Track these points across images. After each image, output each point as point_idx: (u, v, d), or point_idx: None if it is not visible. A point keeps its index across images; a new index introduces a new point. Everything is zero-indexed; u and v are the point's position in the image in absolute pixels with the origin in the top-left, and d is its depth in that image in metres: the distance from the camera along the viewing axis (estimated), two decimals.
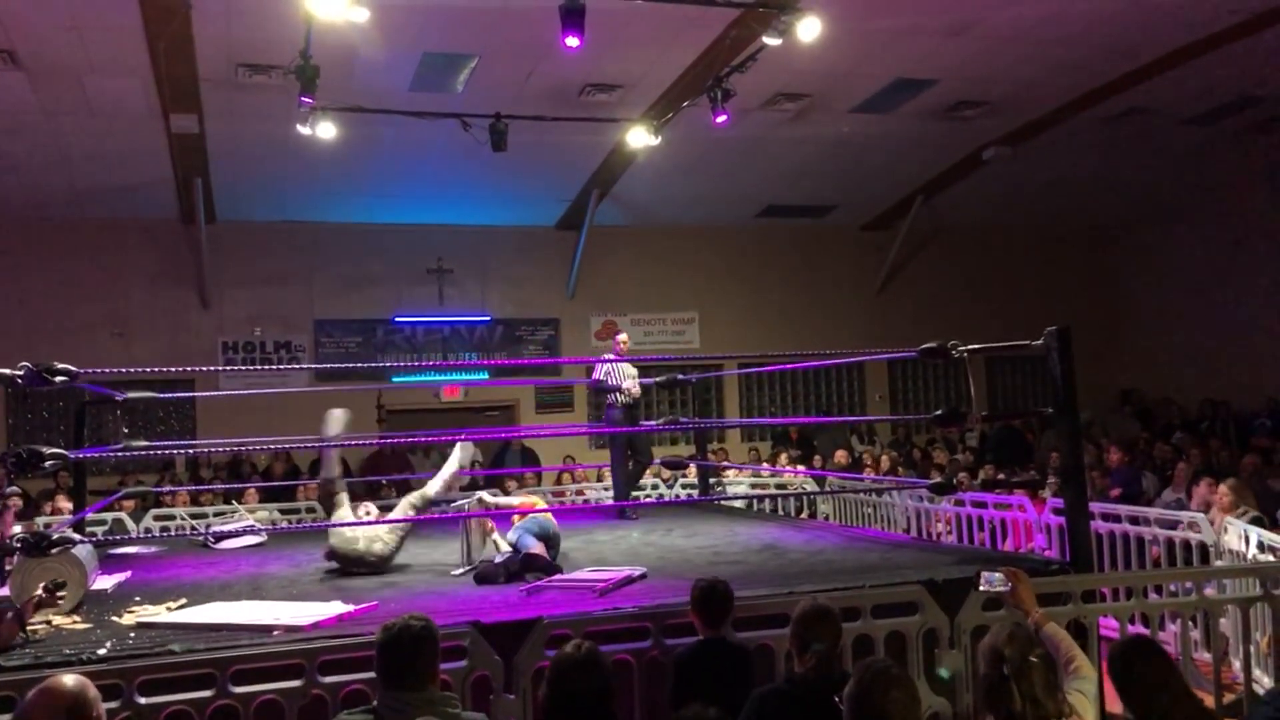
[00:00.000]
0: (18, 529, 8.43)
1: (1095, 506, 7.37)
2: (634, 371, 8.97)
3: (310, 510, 9.95)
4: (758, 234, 16.37)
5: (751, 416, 16.39)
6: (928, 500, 9.44)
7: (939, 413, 5.96)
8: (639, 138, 11.34)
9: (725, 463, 12.30)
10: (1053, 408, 5.39)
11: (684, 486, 11.14)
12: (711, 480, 10.42)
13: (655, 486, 11.25)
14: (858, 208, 16.14)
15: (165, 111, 10.93)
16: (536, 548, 6.05)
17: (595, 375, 9.02)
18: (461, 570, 6.19)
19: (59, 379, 4.94)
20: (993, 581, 4.20)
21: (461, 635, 4.16)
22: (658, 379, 10.02)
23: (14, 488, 10.19)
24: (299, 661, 4.00)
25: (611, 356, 9.05)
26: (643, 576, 5.51)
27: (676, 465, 10.67)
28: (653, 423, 9.83)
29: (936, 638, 4.60)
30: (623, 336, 9.22)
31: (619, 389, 8.82)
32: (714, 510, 9.14)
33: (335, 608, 4.85)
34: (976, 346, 5.73)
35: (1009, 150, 13.82)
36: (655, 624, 4.40)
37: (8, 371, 4.85)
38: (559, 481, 12.10)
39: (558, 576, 5.62)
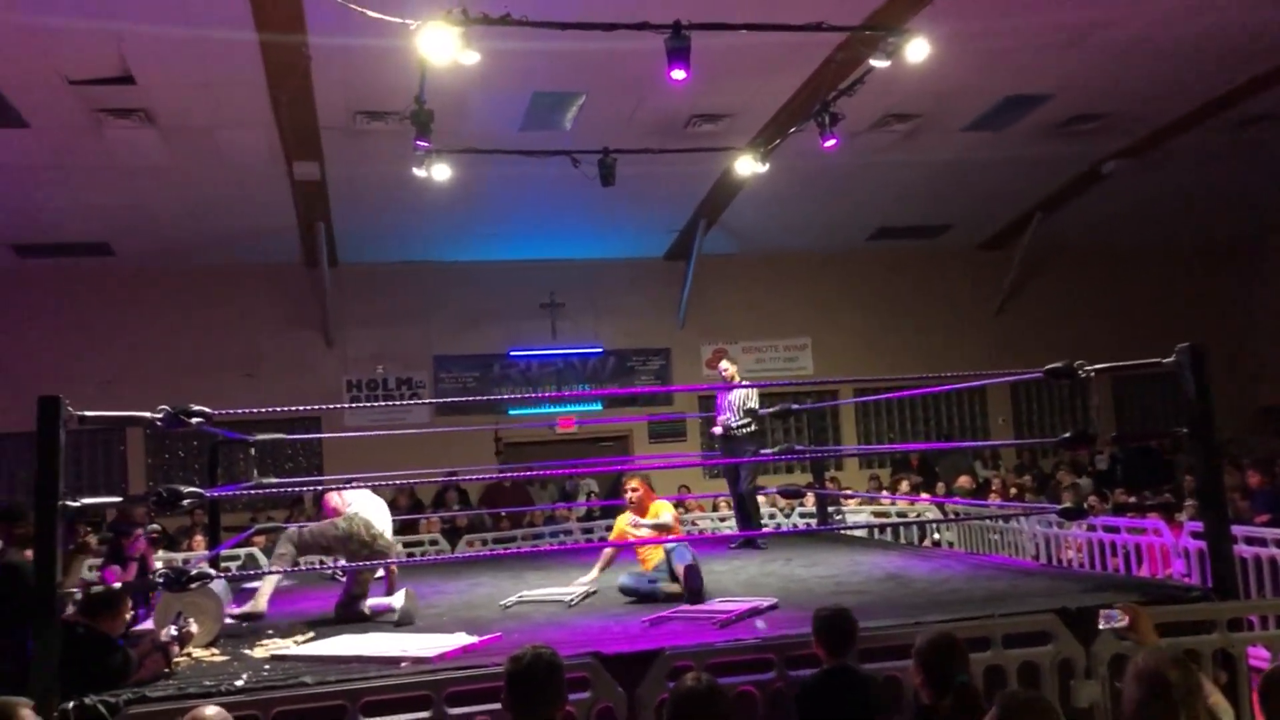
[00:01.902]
0: (159, 564, 8.82)
1: (1237, 530, 7.03)
2: (743, 399, 8.88)
3: (434, 543, 10.15)
4: (870, 257, 16.19)
5: (869, 443, 16.18)
6: (1057, 525, 9.14)
7: (1067, 435, 5.78)
8: (746, 165, 11.33)
9: (844, 491, 12.13)
10: (1187, 427, 5.17)
11: (802, 515, 11.02)
12: (830, 509, 10.28)
13: (773, 516, 11.14)
14: (973, 227, 15.83)
15: (289, 159, 11.39)
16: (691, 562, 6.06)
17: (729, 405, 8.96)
18: (576, 599, 6.23)
19: (195, 420, 5.13)
20: (1113, 619, 4.09)
21: (584, 666, 4.18)
22: (771, 408, 9.94)
23: (154, 525, 10.67)
24: (427, 693, 4.07)
25: (746, 384, 9.08)
26: (773, 608, 5.47)
27: (794, 494, 10.56)
28: (768, 452, 9.75)
29: (1071, 668, 4.44)
30: (725, 364, 9.19)
31: (736, 419, 8.79)
32: (834, 539, 9.07)
33: (460, 639, 4.94)
34: (1104, 366, 5.54)
35: (1129, 163, 13.38)
36: (779, 655, 4.36)
37: (148, 414, 5.02)
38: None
39: (681, 607, 5.61)
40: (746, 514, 8.90)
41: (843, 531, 9.52)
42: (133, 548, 8.19)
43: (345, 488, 6.65)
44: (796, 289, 16.08)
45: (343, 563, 6.41)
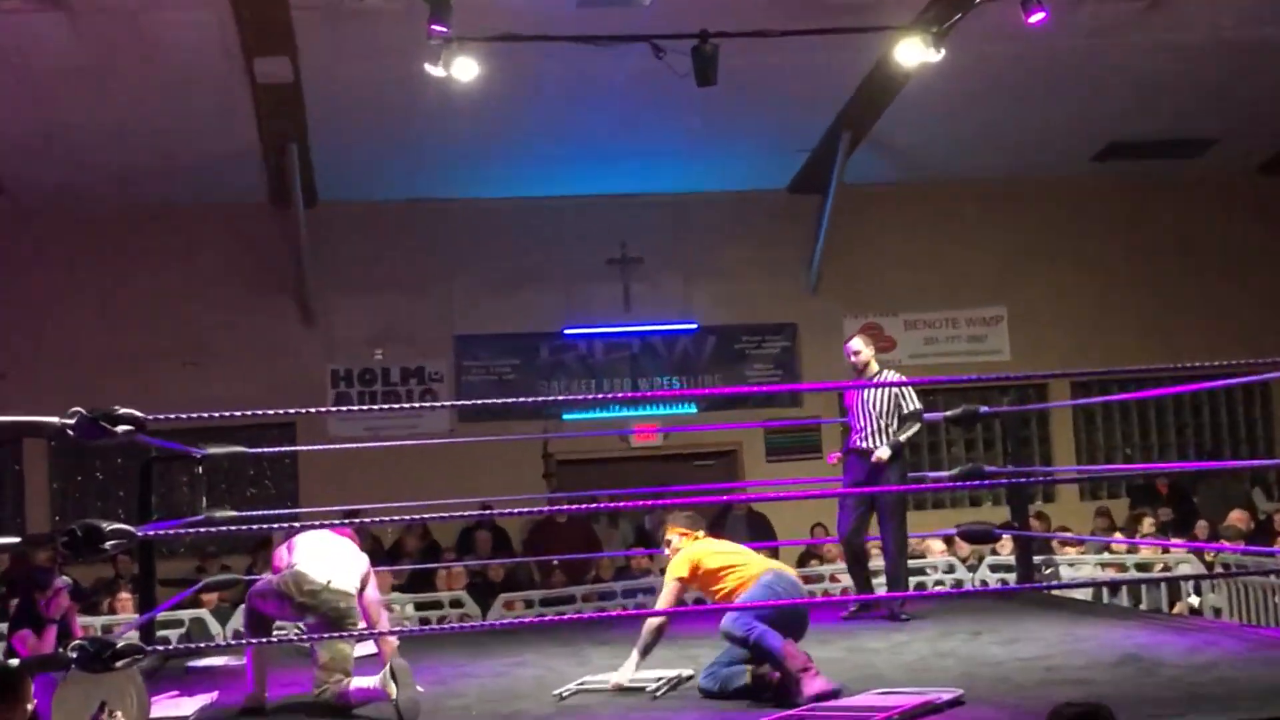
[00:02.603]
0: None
1: None
2: (891, 400, 8.79)
3: (456, 604, 10.25)
4: (1095, 187, 15.98)
5: (1094, 462, 15.98)
6: None
7: None
8: (911, 53, 11.18)
9: (1057, 532, 11.93)
10: None
11: (994, 568, 10.92)
12: (1038, 559, 10.16)
13: (950, 569, 11.07)
14: (1251, 141, 15.51)
15: (247, 54, 11.54)
16: (779, 642, 6.01)
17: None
18: (663, 688, 6.25)
19: (120, 428, 5.19)
20: None
21: None
22: (949, 412, 9.82)
23: (64, 578, 10.94)
24: None
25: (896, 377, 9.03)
26: (956, 703, 5.47)
27: (982, 537, 10.44)
28: (945, 474, 9.65)
29: None
30: (855, 345, 8.97)
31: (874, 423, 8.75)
32: (1042, 603, 9.01)
33: None
34: None
35: None
36: None
37: (54, 420, 5.08)
38: (802, 563, 12.05)
39: (816, 704, 5.59)
40: (892, 573, 8.87)
41: (1056, 592, 9.42)
42: (51, 606, 8.41)
43: (331, 524, 6.73)
44: (984, 236, 15.91)
45: (304, 628, 6.53)
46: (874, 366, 8.92)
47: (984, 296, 15.98)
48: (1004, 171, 15.53)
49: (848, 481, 8.94)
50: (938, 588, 10.62)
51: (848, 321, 15.67)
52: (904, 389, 8.81)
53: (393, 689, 5.82)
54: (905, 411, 8.76)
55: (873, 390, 8.74)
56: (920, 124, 14.05)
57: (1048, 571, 10.48)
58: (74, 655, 4.92)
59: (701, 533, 6.88)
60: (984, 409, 10.27)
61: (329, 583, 6.24)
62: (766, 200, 15.51)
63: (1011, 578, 10.20)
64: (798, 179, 15.30)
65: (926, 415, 9.16)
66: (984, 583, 10.72)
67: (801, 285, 15.70)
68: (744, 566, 6.44)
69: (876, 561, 9.39)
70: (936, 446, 15.63)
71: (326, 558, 6.39)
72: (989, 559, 11.05)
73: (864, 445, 8.72)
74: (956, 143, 14.71)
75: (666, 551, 6.86)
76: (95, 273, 14.56)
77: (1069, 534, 12.21)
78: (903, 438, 8.71)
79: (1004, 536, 10.35)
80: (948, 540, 11.50)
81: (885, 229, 15.68)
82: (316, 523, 6.79)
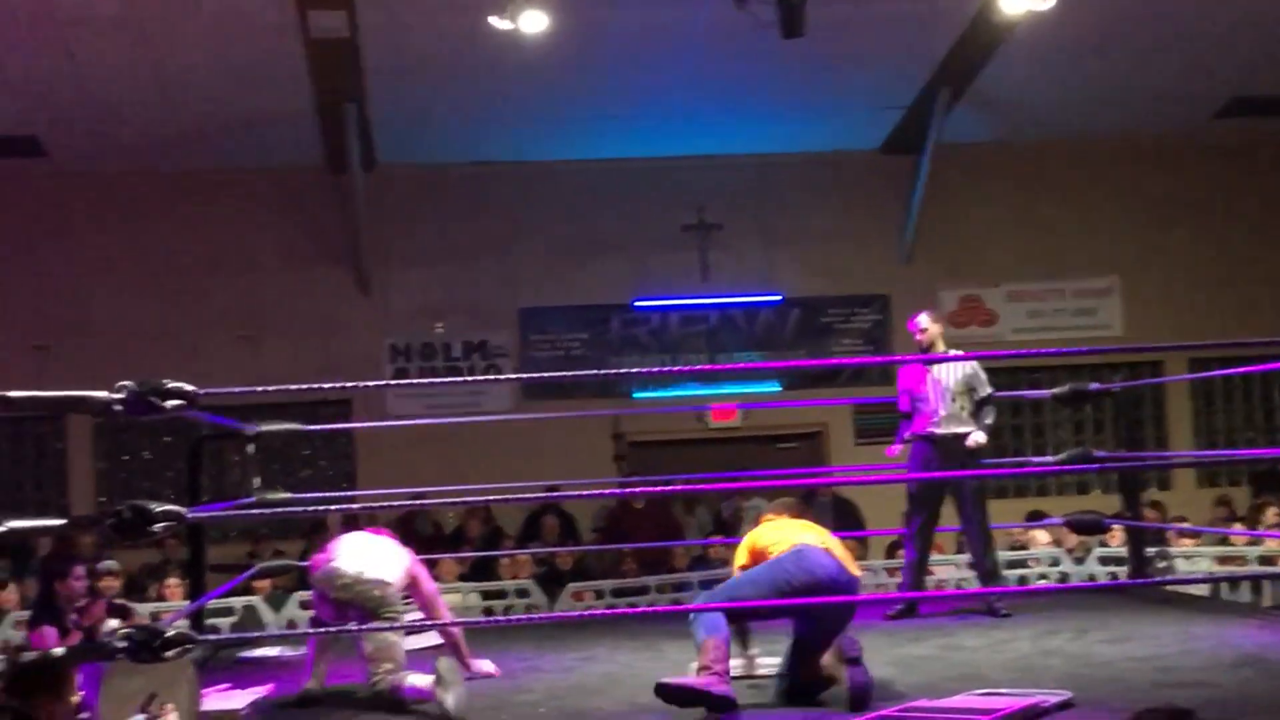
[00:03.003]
0: (113, 622, 9.20)
1: None
2: (964, 377, 8.78)
3: (522, 594, 10.31)
4: (1216, 146, 15.80)
5: (1214, 446, 15.83)
6: None
7: None
8: (1017, 0, 11.09)
9: (1173, 522, 11.85)
10: None
11: (1103, 561, 10.84)
12: (1151, 551, 10.07)
13: (1056, 561, 11.01)
14: None
15: (300, 8, 11.64)
16: (704, 634, 5.87)
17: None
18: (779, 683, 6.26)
19: (170, 403, 5.24)
20: None
21: None
22: (1057, 391, 9.76)
23: (110, 562, 11.13)
24: None
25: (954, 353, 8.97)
26: (1064, 706, 5.46)
27: (1091, 527, 10.36)
28: (1048, 459, 9.59)
29: None
30: (924, 321, 8.94)
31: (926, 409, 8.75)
32: (1155, 599, 8.96)
33: None
34: None
35: None
36: None
37: (101, 395, 5.10)
38: (891, 553, 12.00)
39: (911, 703, 5.59)
40: (986, 565, 8.88)
41: (1170, 587, 9.38)
42: (72, 595, 8.55)
43: (385, 505, 6.87)
44: (1095, 199, 15.77)
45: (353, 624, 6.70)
46: (940, 345, 8.95)
47: (1094, 266, 15.82)
48: (1116, 129, 15.37)
49: (918, 470, 8.93)
50: (1041, 581, 10.56)
51: (944, 293, 15.62)
52: (979, 370, 8.84)
53: (440, 692, 5.93)
54: (980, 395, 8.79)
55: (948, 371, 8.74)
56: (1025, 78, 13.93)
57: (1162, 565, 10.36)
58: (121, 645, 4.99)
59: (779, 515, 6.69)
60: (1094, 386, 10.19)
61: (360, 574, 6.47)
62: (857, 161, 15.46)
63: (1122, 571, 10.15)
64: (891, 138, 15.22)
65: (1031, 393, 9.14)
66: (1092, 577, 10.66)
67: (894, 254, 15.62)
68: (782, 542, 6.21)
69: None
70: (1041, 429, 15.55)
71: (361, 554, 6.64)
72: (1098, 551, 10.96)
73: (941, 430, 8.70)
74: (1065, 98, 14.55)
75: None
76: (141, 240, 14.75)
77: (1185, 524, 12.08)
78: (988, 421, 8.74)
79: (1114, 526, 10.26)
80: (1053, 530, 11.45)
81: (986, 192, 15.60)
82: (374, 504, 6.93)
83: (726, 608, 5.93)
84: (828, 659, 5.86)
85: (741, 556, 6.47)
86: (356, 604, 6.45)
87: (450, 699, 5.90)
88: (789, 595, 5.83)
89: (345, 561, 6.57)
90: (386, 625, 6.37)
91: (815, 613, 5.95)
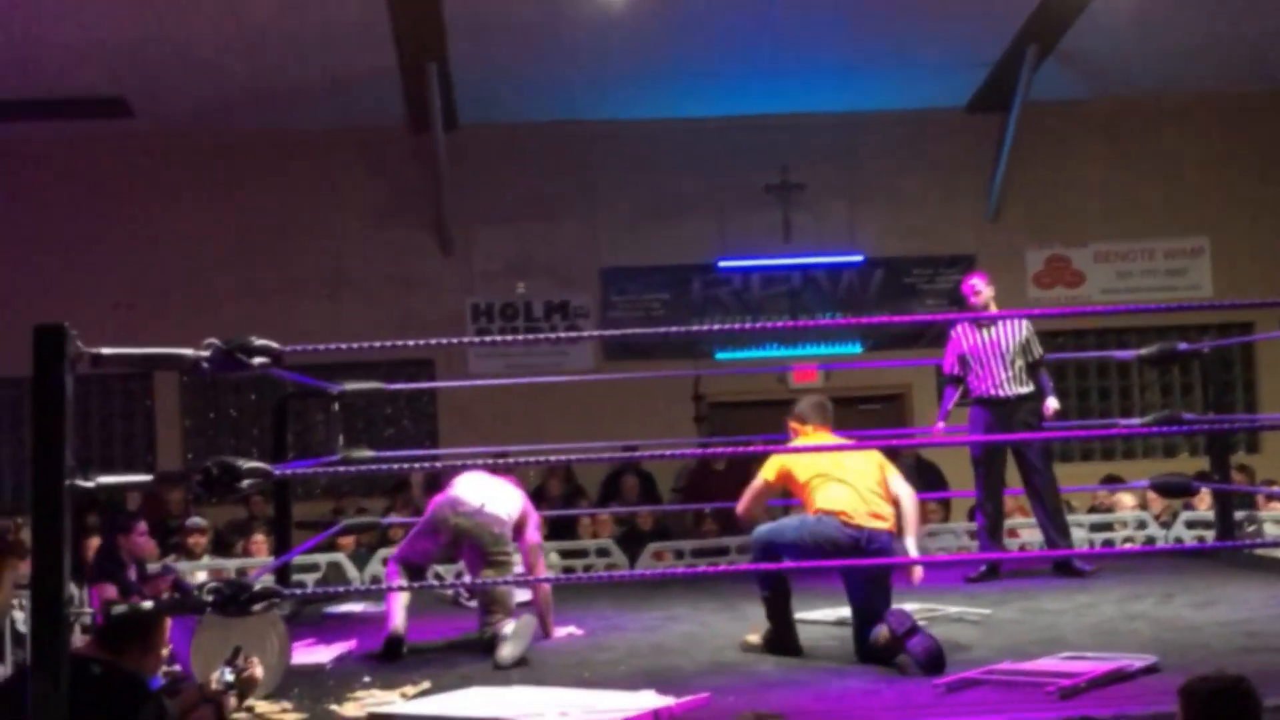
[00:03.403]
0: (202, 575, 9.37)
1: None
2: (1023, 337, 8.75)
3: (602, 553, 10.37)
4: None
5: None
6: None
7: None
8: None
9: (1265, 485, 11.76)
10: None
11: (1190, 525, 10.75)
12: (1239, 515, 9.99)
13: (1142, 525, 10.92)
14: None
15: None
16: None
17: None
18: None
19: (257, 360, 5.29)
20: None
21: None
22: (1144, 350, 9.67)
23: (196, 519, 11.32)
24: None
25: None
26: (1149, 670, 5.44)
27: (1178, 490, 10.27)
28: (1135, 421, 9.52)
29: None
30: (978, 283, 8.91)
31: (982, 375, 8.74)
32: (1243, 563, 8.90)
33: (647, 700, 5.08)
34: None
35: None
36: None
37: (189, 352, 5.14)
38: (973, 516, 11.95)
39: (994, 666, 5.57)
40: (1055, 527, 8.88)
41: (1259, 551, 9.28)
42: (134, 551, 8.71)
43: (467, 464, 6.96)
44: (1186, 158, 15.57)
45: (467, 579, 6.80)
46: (993, 307, 9.01)
47: (1184, 226, 15.62)
48: (1209, 86, 15.16)
49: (980, 433, 8.92)
50: (1127, 545, 10.48)
51: (1030, 253, 15.51)
52: (1034, 333, 8.87)
53: (502, 643, 6.13)
54: (1034, 357, 8.83)
55: (1008, 334, 8.77)
56: (1114, 34, 13.76)
57: (1250, 529, 10.31)
58: (209, 598, 5.07)
59: (820, 429, 6.82)
60: (1182, 346, 10.11)
61: (483, 506, 6.72)
62: (942, 120, 15.34)
63: (1209, 535, 10.09)
64: (977, 96, 15.08)
65: (1119, 354, 9.10)
66: (1179, 540, 10.58)
67: (980, 213, 15.50)
68: (823, 489, 6.27)
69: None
70: (1128, 390, 15.40)
71: (484, 489, 6.87)
72: (1185, 514, 10.89)
73: (1004, 393, 8.71)
74: (1154, 54, 14.35)
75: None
76: (226, 199, 14.89)
77: (1274, 488, 11.94)
78: (1050, 385, 8.83)
79: (1202, 490, 10.18)
80: (1138, 493, 11.37)
81: (1074, 151, 15.42)
82: (459, 463, 7.05)
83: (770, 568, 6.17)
84: (884, 634, 5.86)
85: (770, 470, 6.55)
86: (473, 537, 6.65)
87: (505, 650, 6.01)
88: (818, 558, 6.08)
89: (469, 493, 6.80)
90: (489, 581, 6.48)
91: (854, 578, 6.09)
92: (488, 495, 6.83)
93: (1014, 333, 8.75)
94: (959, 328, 9.06)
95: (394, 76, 13.70)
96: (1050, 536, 8.94)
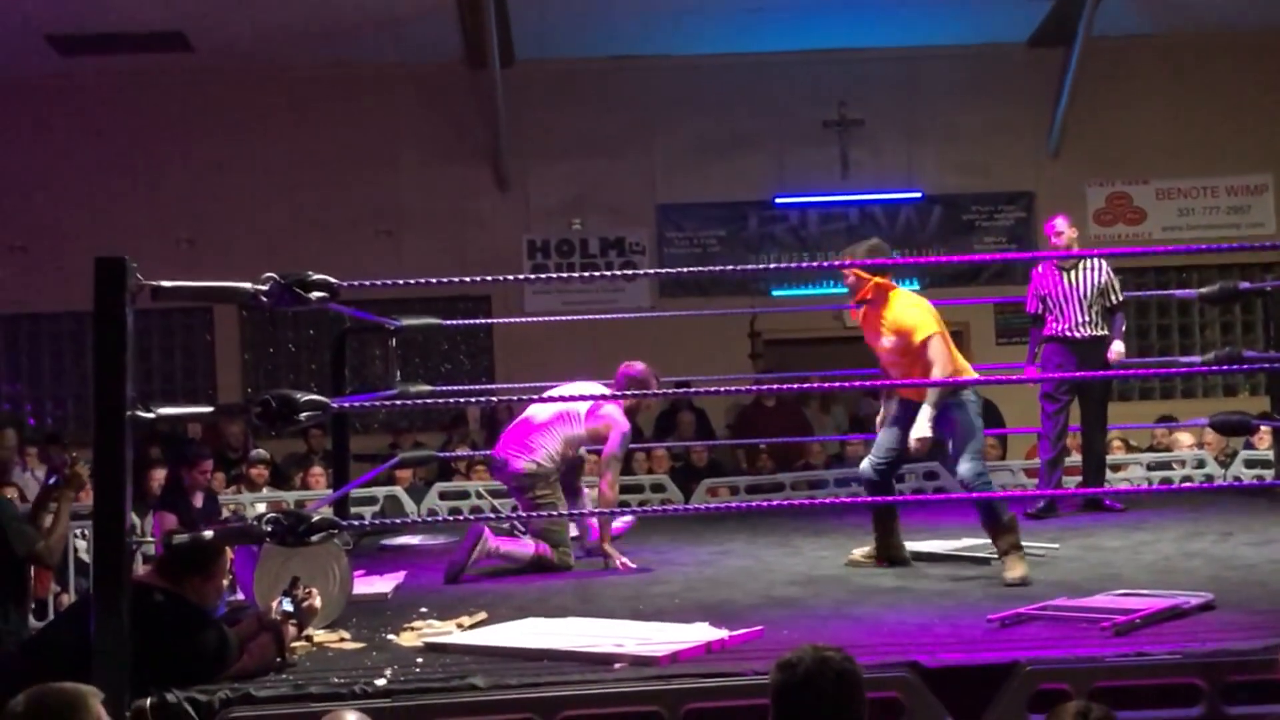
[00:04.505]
0: (262, 507, 9.46)
1: None
2: (1105, 282, 8.72)
3: (658, 489, 10.40)
4: None
5: None
6: None
7: None
8: None
9: None
10: None
11: (1249, 464, 10.67)
12: None
13: (1200, 464, 10.85)
14: None
15: None
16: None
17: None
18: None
19: (315, 295, 5.31)
20: None
21: (894, 682, 4.26)
22: (1204, 289, 9.57)
23: (259, 450, 11.43)
24: (654, 708, 4.23)
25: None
26: (1205, 607, 5.41)
27: (1238, 428, 10.16)
28: (1195, 359, 9.45)
29: None
30: (1061, 224, 8.86)
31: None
32: None
33: (702, 632, 5.08)
34: None
35: None
36: (1210, 680, 4.33)
37: (249, 285, 5.16)
38: (1030, 455, 11.91)
39: (1050, 602, 5.56)
40: (1091, 466, 8.90)
41: None
42: (197, 485, 8.81)
43: (531, 399, 7.03)
44: (1251, 94, 15.35)
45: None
46: (1076, 249, 9.00)
47: (1248, 163, 15.44)
48: (1274, 20, 14.88)
49: (1053, 371, 8.91)
50: (1186, 483, 10.41)
51: (1091, 190, 15.39)
52: (1114, 277, 8.86)
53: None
54: (1113, 302, 8.83)
55: (1087, 277, 8.74)
56: None
57: None
58: (268, 529, 5.13)
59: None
60: (1244, 285, 10.02)
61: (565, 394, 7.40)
62: (1003, 54, 15.21)
63: (1269, 474, 10.00)
64: (1039, 31, 14.89)
65: (1179, 293, 9.04)
66: (1238, 479, 10.50)
67: (1040, 150, 15.37)
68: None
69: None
70: (1189, 329, 15.27)
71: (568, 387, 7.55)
72: (1244, 453, 10.81)
73: (1080, 334, 8.71)
74: None
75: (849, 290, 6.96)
76: (284, 134, 14.97)
77: None
78: (1123, 329, 8.88)
79: (1262, 428, 10.07)
80: (1197, 432, 11.29)
81: (1137, 87, 15.24)
82: (514, 399, 7.20)
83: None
84: None
85: (932, 322, 6.85)
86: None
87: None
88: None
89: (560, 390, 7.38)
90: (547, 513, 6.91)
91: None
92: (571, 388, 7.43)
93: (1095, 277, 8.74)
94: (1039, 267, 9.03)
95: (451, 12, 13.70)
96: (1086, 473, 8.96)
